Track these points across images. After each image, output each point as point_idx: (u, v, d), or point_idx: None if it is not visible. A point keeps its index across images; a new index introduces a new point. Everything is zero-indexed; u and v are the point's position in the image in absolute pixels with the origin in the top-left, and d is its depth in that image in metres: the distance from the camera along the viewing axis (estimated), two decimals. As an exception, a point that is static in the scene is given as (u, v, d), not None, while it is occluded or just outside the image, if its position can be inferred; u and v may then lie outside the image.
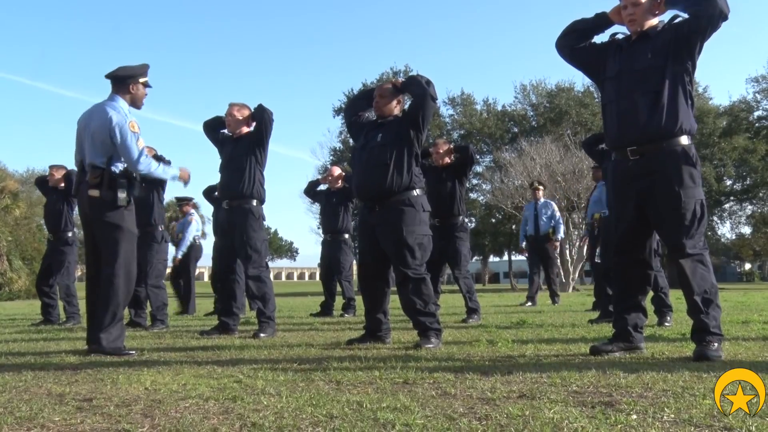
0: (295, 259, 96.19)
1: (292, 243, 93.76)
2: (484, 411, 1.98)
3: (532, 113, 35.12)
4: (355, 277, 7.38)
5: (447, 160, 6.15)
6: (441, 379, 2.60)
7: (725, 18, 3.05)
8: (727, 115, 32.37)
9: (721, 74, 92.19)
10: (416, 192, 4.03)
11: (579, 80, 33.96)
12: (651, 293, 5.16)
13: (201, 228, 9.72)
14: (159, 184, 6.17)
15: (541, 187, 10.12)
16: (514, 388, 2.35)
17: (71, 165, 4.63)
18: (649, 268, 3.40)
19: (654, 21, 3.28)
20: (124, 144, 3.86)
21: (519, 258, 35.83)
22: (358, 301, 5.53)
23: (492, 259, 48.48)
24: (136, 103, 4.05)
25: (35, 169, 40.14)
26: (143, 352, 3.81)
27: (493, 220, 34.34)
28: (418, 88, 4.02)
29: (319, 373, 2.80)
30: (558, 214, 9.91)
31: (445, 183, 6.09)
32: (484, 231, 35.03)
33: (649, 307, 4.33)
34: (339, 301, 8.05)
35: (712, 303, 3.12)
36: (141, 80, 4.03)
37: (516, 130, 34.21)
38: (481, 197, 34.03)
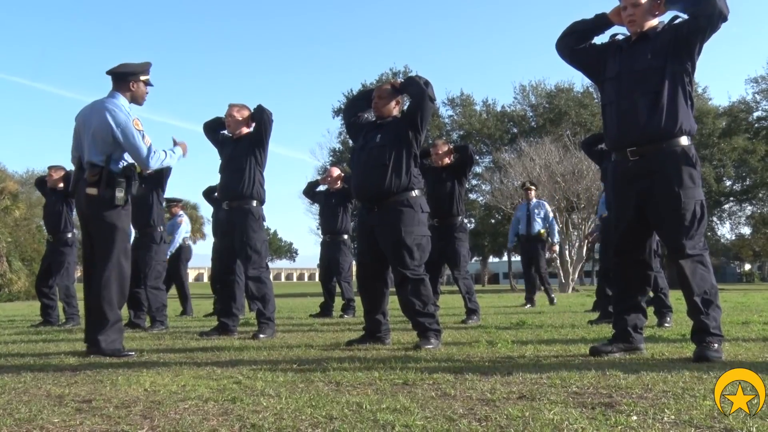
0: (294, 260, 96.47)
1: (291, 244, 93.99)
2: (484, 412, 1.98)
3: (531, 114, 35.15)
4: (354, 277, 7.37)
5: (446, 160, 6.15)
6: (441, 380, 2.60)
7: (725, 19, 3.05)
8: (727, 115, 32.40)
9: (721, 75, 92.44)
10: (415, 193, 4.03)
11: (578, 81, 34.07)
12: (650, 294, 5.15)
13: (189, 230, 9.70)
14: (159, 185, 6.17)
15: (533, 188, 10.11)
16: (513, 389, 2.35)
17: (70, 166, 4.63)
18: (649, 268, 3.40)
19: (654, 22, 3.29)
20: (131, 144, 3.86)
21: (518, 259, 35.78)
22: (358, 302, 5.53)
23: (491, 259, 48.45)
24: (136, 101, 4.04)
25: (35, 170, 40.07)
26: (143, 354, 3.80)
27: (493, 221, 34.30)
28: (416, 89, 4.02)
29: (319, 374, 2.80)
30: (551, 215, 9.88)
31: (444, 183, 6.09)
32: (484, 231, 35.01)
33: (649, 308, 4.33)
34: (338, 302, 8.05)
35: (712, 304, 3.12)
36: (142, 78, 4.02)
37: (515, 130, 34.22)
38: (481, 198, 34.02)
